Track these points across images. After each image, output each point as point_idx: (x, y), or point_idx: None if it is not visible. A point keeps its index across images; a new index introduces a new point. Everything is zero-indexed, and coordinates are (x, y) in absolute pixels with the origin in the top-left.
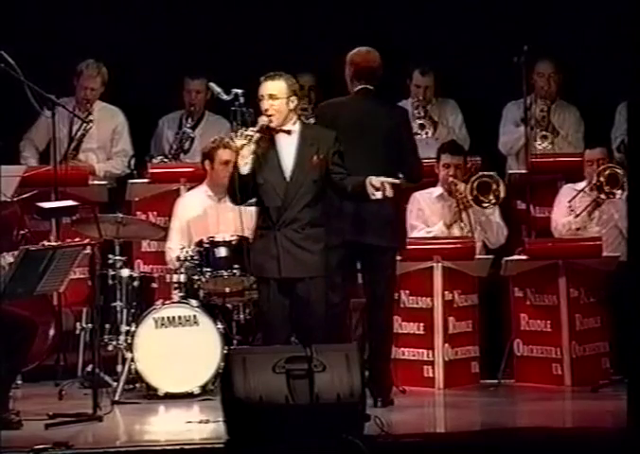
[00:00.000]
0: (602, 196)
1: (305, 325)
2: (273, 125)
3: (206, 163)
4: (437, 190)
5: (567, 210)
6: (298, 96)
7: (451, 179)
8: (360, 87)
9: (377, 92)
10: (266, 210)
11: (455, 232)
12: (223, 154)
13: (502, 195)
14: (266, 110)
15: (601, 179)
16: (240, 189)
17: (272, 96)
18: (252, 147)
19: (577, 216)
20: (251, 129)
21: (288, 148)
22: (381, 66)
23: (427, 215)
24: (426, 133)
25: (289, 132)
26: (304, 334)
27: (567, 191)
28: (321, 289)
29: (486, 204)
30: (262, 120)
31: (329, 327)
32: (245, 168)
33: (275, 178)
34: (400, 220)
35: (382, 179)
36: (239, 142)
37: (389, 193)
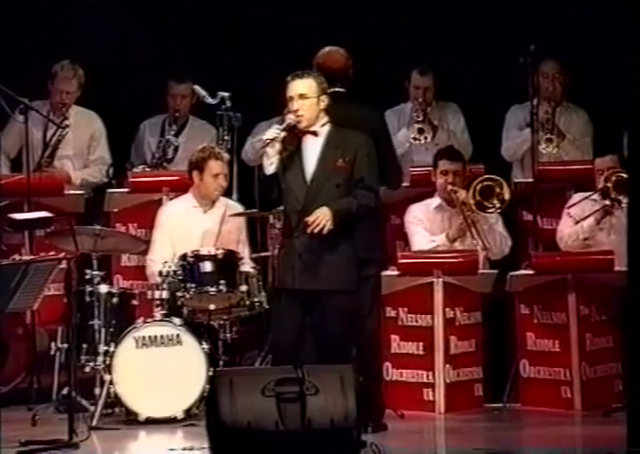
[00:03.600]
0: (608, 202)
1: (319, 347)
2: (302, 125)
3: (195, 173)
4: (435, 201)
5: (570, 218)
6: (328, 95)
7: (449, 187)
8: (329, 91)
9: (350, 94)
10: (287, 216)
11: (457, 245)
12: (214, 166)
13: (506, 197)
14: (296, 110)
15: (608, 184)
16: (264, 192)
17: (302, 96)
18: (277, 146)
19: (577, 222)
20: (276, 126)
21: (312, 151)
22: (347, 66)
23: (426, 226)
24: (425, 138)
25: (315, 134)
26: (318, 357)
27: (578, 200)
28: (339, 307)
29: (490, 210)
30: (289, 118)
31: (361, 358)
32: (270, 168)
33: (297, 181)
34: (382, 230)
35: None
36: (266, 137)
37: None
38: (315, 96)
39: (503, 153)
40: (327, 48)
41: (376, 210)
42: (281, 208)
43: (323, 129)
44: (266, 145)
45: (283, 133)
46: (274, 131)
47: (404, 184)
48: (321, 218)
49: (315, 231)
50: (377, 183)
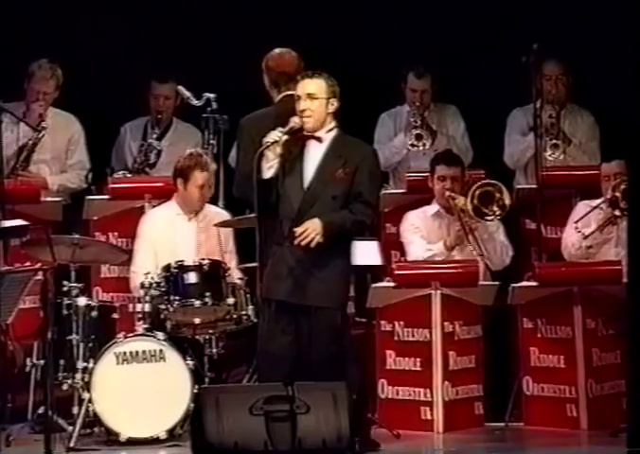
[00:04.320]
0: (617, 212)
1: (305, 365)
2: (307, 127)
3: (179, 181)
4: (433, 208)
5: (574, 226)
6: (338, 98)
7: (447, 193)
8: (282, 95)
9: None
10: (280, 223)
11: (456, 254)
12: (200, 178)
13: (507, 202)
14: (303, 111)
15: (616, 194)
16: (260, 196)
17: (310, 96)
18: (278, 150)
19: (587, 237)
20: (280, 129)
21: (314, 157)
22: (299, 69)
23: (423, 234)
24: (423, 145)
25: (320, 140)
26: (304, 374)
27: (582, 209)
28: (329, 324)
29: (490, 217)
30: (293, 121)
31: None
32: (269, 172)
33: (294, 187)
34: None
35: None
36: (267, 139)
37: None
38: (325, 98)
39: (505, 160)
40: (276, 50)
41: (370, 226)
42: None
43: (328, 135)
44: (266, 148)
45: (285, 137)
46: (275, 134)
47: (400, 191)
48: (310, 230)
49: (302, 243)
50: (376, 199)
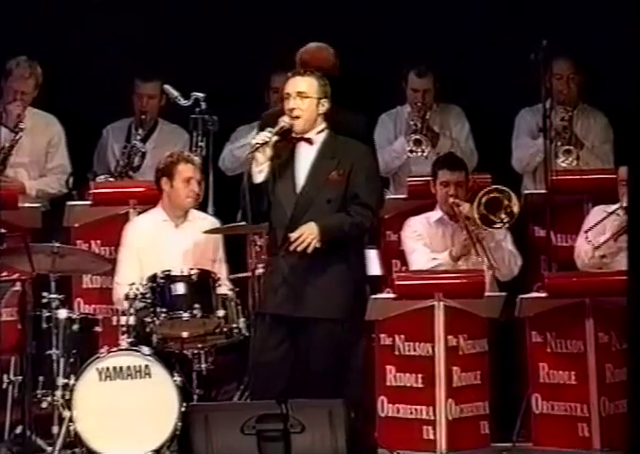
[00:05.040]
0: None
1: (304, 380)
2: (296, 129)
3: (163, 180)
4: (436, 214)
5: (585, 239)
6: (329, 99)
7: (451, 199)
8: None
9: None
10: (273, 231)
11: (462, 264)
12: (185, 170)
13: (515, 210)
14: (292, 109)
15: None
16: (252, 203)
17: (300, 94)
18: (268, 152)
19: (599, 247)
20: (269, 129)
21: (305, 160)
22: (335, 66)
23: (427, 242)
24: (422, 151)
25: (310, 142)
26: (304, 391)
27: (597, 215)
28: (328, 337)
29: (497, 225)
30: (283, 121)
31: (348, 391)
32: (259, 177)
33: (286, 193)
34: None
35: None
36: (255, 141)
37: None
38: (316, 98)
39: (514, 165)
40: (313, 44)
41: (371, 229)
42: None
43: (319, 136)
44: (255, 150)
45: (275, 138)
46: (265, 135)
47: (401, 196)
48: (306, 234)
49: (299, 249)
50: (375, 201)
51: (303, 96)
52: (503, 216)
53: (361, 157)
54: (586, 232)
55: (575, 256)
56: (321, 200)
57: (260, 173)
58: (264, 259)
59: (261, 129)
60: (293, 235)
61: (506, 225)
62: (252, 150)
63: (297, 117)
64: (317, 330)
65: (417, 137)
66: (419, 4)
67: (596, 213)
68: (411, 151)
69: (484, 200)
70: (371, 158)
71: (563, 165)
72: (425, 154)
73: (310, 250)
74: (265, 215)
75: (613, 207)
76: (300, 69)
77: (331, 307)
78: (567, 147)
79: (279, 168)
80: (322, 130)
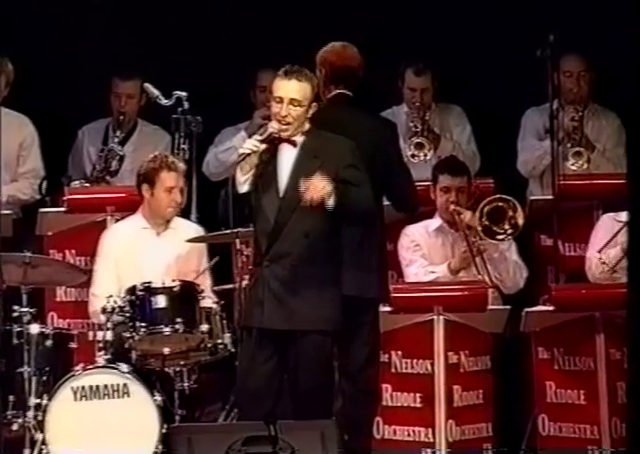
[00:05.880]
0: None
1: (294, 399)
2: (284, 135)
3: (144, 187)
4: (435, 222)
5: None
6: (316, 100)
7: (452, 206)
8: (335, 92)
9: (356, 99)
10: (258, 239)
11: (463, 276)
12: (167, 178)
13: (520, 222)
14: (284, 116)
15: None
16: (235, 213)
17: (294, 101)
18: (255, 160)
19: (605, 263)
20: (256, 137)
21: (288, 162)
22: (362, 66)
23: (425, 253)
24: (425, 155)
25: (294, 144)
26: (294, 410)
27: (607, 223)
28: (317, 351)
29: (501, 236)
30: (272, 128)
31: (351, 412)
32: (244, 187)
33: (268, 198)
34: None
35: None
36: (243, 150)
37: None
38: (307, 104)
39: (519, 168)
40: (337, 43)
41: (374, 226)
42: (250, 230)
43: (301, 138)
44: (243, 159)
45: (263, 146)
46: (252, 143)
47: None
48: (314, 186)
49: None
50: (370, 193)
51: (296, 104)
52: (506, 227)
53: (345, 154)
54: (599, 251)
55: (586, 268)
56: (306, 205)
57: (246, 182)
58: (250, 270)
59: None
60: (303, 189)
61: (510, 238)
62: (239, 160)
63: (288, 124)
64: (306, 343)
65: (419, 141)
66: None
67: (606, 221)
68: (413, 156)
69: (486, 209)
70: (356, 154)
71: (573, 168)
72: (428, 157)
73: (329, 205)
74: (247, 219)
75: (624, 215)
76: (289, 70)
77: (320, 319)
78: (577, 148)
79: (261, 172)
80: (305, 132)
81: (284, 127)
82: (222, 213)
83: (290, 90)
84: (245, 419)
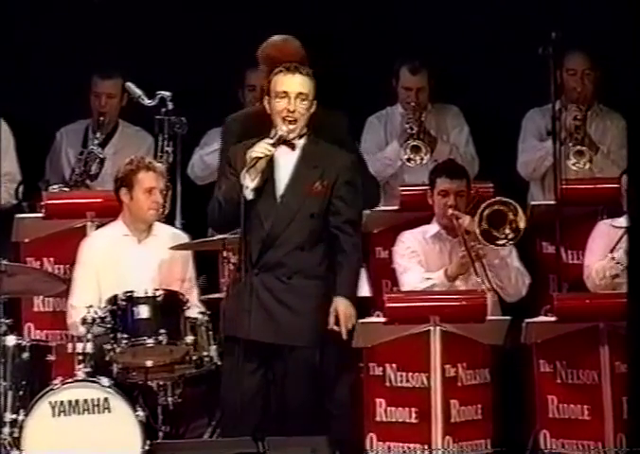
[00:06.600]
0: None
1: (282, 414)
2: (292, 136)
3: (123, 191)
4: (433, 228)
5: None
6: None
7: (451, 210)
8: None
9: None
10: (247, 245)
11: (460, 285)
12: (146, 179)
13: (521, 226)
14: (292, 111)
15: None
16: (232, 220)
17: (301, 96)
18: (263, 164)
19: (619, 263)
20: (267, 141)
21: (286, 167)
22: (305, 59)
23: (421, 260)
24: (421, 159)
25: (292, 146)
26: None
27: (604, 229)
28: (305, 365)
29: (501, 241)
30: (282, 130)
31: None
32: (252, 193)
33: (265, 203)
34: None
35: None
36: (255, 154)
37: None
38: (311, 99)
39: (519, 169)
40: (277, 37)
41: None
42: (236, 237)
43: (300, 141)
44: (254, 164)
45: (274, 149)
46: (264, 147)
47: (392, 208)
48: (345, 319)
49: (345, 337)
50: (359, 216)
51: (303, 98)
52: (507, 231)
53: (346, 169)
54: (612, 255)
55: (584, 277)
56: (304, 215)
57: (253, 188)
58: (235, 275)
59: (224, 138)
60: (331, 321)
61: (511, 243)
62: (250, 165)
63: (295, 121)
64: (294, 357)
65: (415, 143)
66: None
67: (602, 228)
68: (409, 160)
69: (486, 213)
70: (357, 169)
71: (574, 167)
72: (424, 161)
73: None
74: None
75: (621, 221)
76: (292, 64)
77: (310, 335)
78: (579, 148)
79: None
80: (303, 135)
81: (292, 127)
82: (216, 219)
83: (296, 84)
84: (230, 434)
